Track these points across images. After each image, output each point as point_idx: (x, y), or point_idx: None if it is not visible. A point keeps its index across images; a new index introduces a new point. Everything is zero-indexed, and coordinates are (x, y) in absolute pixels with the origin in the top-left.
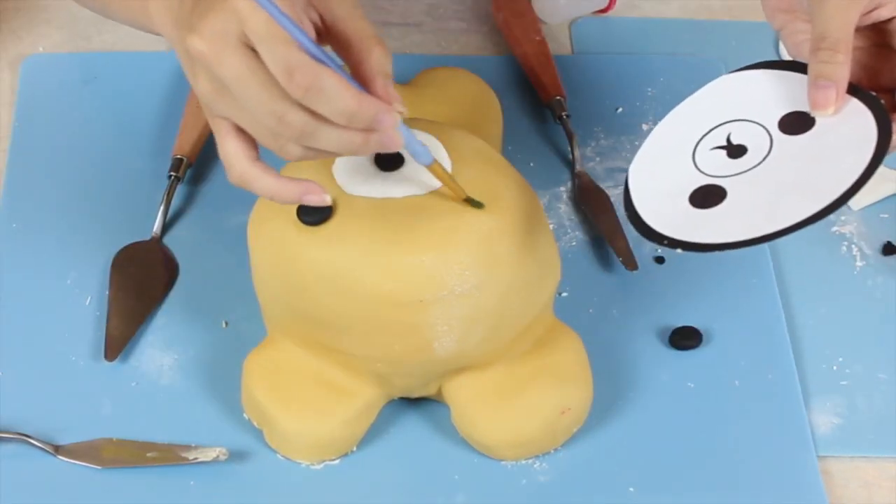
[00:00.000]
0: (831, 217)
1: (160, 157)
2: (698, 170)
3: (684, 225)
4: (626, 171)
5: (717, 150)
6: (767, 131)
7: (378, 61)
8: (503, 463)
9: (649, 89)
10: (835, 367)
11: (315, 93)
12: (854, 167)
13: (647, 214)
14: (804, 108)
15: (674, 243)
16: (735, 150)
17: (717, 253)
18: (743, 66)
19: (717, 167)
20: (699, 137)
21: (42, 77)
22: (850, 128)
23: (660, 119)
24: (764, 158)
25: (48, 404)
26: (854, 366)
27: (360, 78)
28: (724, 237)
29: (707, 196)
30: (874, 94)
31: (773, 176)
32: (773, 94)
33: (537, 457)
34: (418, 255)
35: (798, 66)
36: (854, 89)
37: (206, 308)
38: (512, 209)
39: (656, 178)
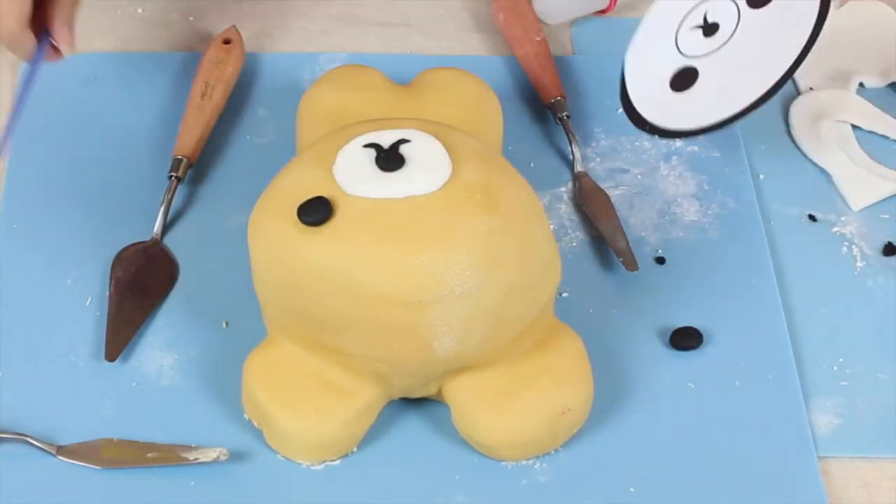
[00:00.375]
0: (832, 217)
1: (160, 157)
2: (679, 51)
3: (665, 112)
4: (626, 171)
5: (696, 30)
6: (737, 6)
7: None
8: (503, 463)
9: None
10: (835, 368)
11: None
12: (798, 41)
13: (638, 101)
14: None
15: (654, 130)
16: (710, 29)
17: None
18: None
19: (694, 47)
20: (682, 17)
21: (42, 77)
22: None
23: None
24: (731, 35)
25: (48, 404)
26: (854, 366)
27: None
28: (693, 123)
29: (683, 79)
30: None
31: (736, 53)
32: None
33: (537, 457)
34: (418, 255)
35: None
36: None
37: (207, 308)
38: (512, 210)
39: (647, 63)
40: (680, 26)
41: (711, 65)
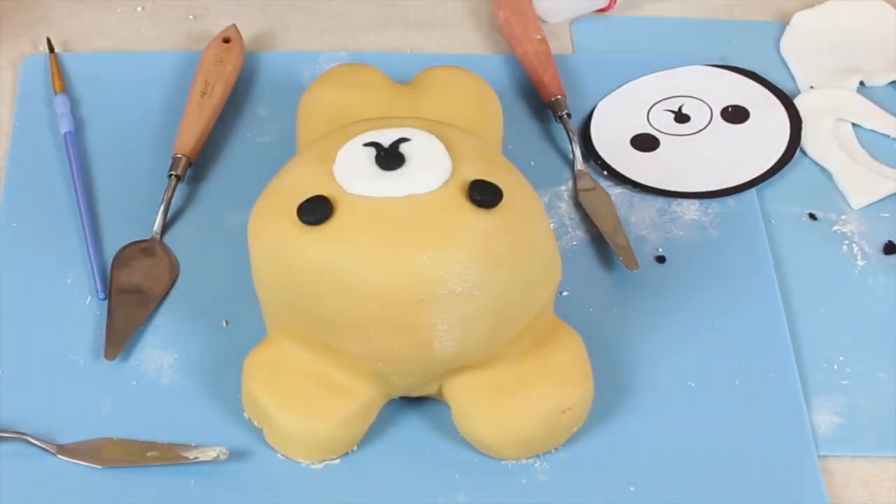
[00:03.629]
0: (832, 216)
1: (160, 156)
2: (648, 121)
3: (618, 157)
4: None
5: (668, 112)
6: (711, 113)
7: None
8: (504, 462)
9: None
10: (835, 367)
11: None
12: (761, 165)
13: (596, 140)
14: (744, 104)
15: (604, 166)
16: (681, 117)
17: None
18: (719, 64)
19: (663, 124)
20: (659, 99)
21: (42, 77)
22: (768, 135)
23: None
24: (700, 131)
25: (48, 404)
26: (855, 365)
27: None
28: (640, 178)
29: (644, 142)
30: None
31: (700, 146)
32: (727, 88)
33: (538, 456)
34: (418, 254)
35: (752, 75)
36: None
37: (207, 307)
38: (512, 208)
39: (614, 117)
40: (655, 104)
41: (674, 144)
